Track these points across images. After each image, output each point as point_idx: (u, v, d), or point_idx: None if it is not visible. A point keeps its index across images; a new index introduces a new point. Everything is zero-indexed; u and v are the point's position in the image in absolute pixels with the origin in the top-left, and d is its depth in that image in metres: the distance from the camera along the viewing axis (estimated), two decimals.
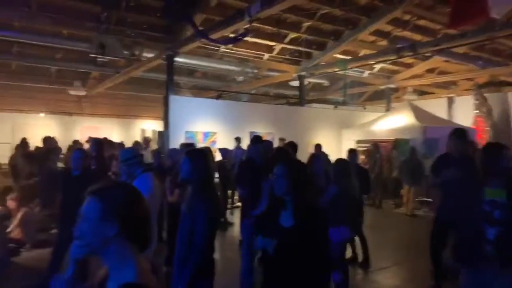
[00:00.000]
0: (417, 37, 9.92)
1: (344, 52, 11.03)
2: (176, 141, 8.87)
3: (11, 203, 5.70)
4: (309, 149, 9.02)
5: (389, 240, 6.74)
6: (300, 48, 10.78)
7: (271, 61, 11.63)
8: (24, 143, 8.18)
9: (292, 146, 4.88)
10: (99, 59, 10.01)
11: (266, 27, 9.49)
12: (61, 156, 8.11)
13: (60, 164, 7.37)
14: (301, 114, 11.88)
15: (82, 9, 8.50)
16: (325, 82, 14.57)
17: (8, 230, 5.49)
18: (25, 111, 14.76)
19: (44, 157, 7.22)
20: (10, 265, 4.96)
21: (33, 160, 7.26)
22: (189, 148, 4.49)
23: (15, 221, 5.59)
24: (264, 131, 10.38)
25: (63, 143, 9.94)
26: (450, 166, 3.86)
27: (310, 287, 2.07)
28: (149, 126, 17.54)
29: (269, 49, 11.00)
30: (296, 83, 12.64)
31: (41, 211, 6.03)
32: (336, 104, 13.00)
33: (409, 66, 12.54)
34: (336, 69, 11.41)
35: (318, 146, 7.76)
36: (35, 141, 9.20)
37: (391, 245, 6.42)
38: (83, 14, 8.59)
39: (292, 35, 10.11)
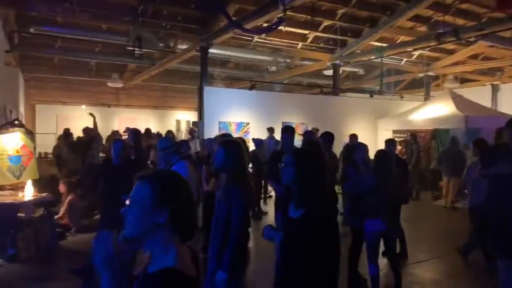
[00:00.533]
0: (460, 21, 9.41)
1: (380, 39, 10.67)
2: (210, 132, 8.99)
3: (62, 187, 6.02)
4: (344, 139, 8.86)
5: (428, 233, 6.54)
6: (335, 36, 10.54)
7: (304, 50, 11.47)
8: (67, 133, 8.58)
9: (328, 136, 4.80)
10: (135, 52, 10.28)
11: (300, 15, 9.34)
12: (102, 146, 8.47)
13: (101, 154, 7.69)
14: (335, 103, 11.66)
15: (120, 3, 8.73)
16: (360, 71, 14.20)
17: (57, 216, 5.80)
18: (67, 103, 15.46)
19: (86, 147, 7.57)
20: (58, 248, 5.27)
21: (76, 150, 7.63)
22: (224, 138, 4.55)
23: (62, 207, 5.91)
24: (297, 121, 10.29)
25: (103, 134, 10.34)
26: (507, 158, 3.59)
27: (316, 280, 2.02)
28: (184, 117, 17.89)
29: (303, 37, 10.83)
30: (330, 72, 12.40)
31: (81, 199, 6.33)
32: (371, 93, 12.64)
33: (450, 52, 11.95)
34: (372, 57, 11.07)
35: (353, 136, 7.60)
36: (77, 132, 9.65)
37: (429, 238, 6.23)
38: (120, 8, 8.82)
39: (326, 22, 9.90)
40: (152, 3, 8.60)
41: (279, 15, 7.29)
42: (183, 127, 17.58)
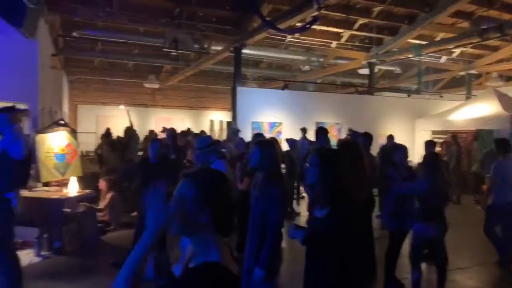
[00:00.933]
0: (506, 16, 8.93)
1: (418, 37, 10.32)
2: (243, 132, 9.06)
3: (102, 184, 6.28)
4: (380, 140, 8.65)
5: (469, 238, 6.25)
6: (370, 34, 10.31)
7: (338, 49, 11.30)
8: (108, 133, 8.94)
9: (366, 137, 4.71)
10: (171, 53, 10.54)
11: (334, 13, 9.21)
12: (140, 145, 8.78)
13: (139, 153, 7.95)
14: (371, 103, 11.41)
15: (157, 6, 8.99)
16: (396, 69, 13.81)
17: (99, 215, 6.05)
18: (106, 103, 16.11)
19: (125, 146, 7.87)
20: (99, 242, 5.50)
21: (116, 149, 7.94)
22: (259, 138, 4.57)
23: (102, 204, 6.17)
24: (331, 122, 10.17)
25: (140, 133, 10.70)
26: None
27: (340, 281, 1.99)
28: (217, 117, 18.14)
29: (337, 36, 10.67)
30: (365, 71, 12.14)
31: (120, 197, 6.57)
32: (409, 92, 12.25)
33: (494, 49, 11.36)
34: (410, 55, 10.73)
35: (390, 137, 7.41)
36: (116, 131, 10.04)
37: (471, 244, 5.95)
38: (157, 11, 9.08)
39: (362, 20, 9.70)
40: (187, 5, 8.79)
41: (313, 14, 7.23)
42: (216, 127, 17.83)
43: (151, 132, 11.27)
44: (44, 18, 7.26)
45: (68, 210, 5.10)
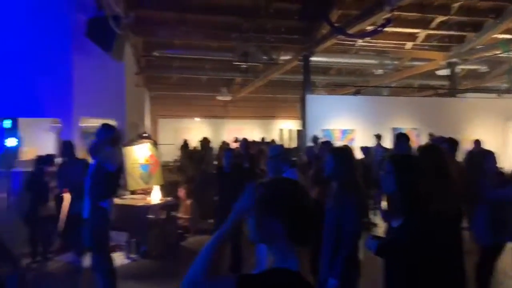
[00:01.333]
0: None
1: (506, 31, 9.35)
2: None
3: (181, 192, 6.69)
4: (465, 145, 7.95)
5: None
6: (450, 32, 9.60)
7: (414, 50, 10.69)
8: (185, 144, 9.50)
9: (451, 143, 4.34)
10: (242, 66, 10.90)
11: (408, 13, 8.76)
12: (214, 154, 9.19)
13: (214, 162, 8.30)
14: (453, 106, 10.56)
15: (227, 22, 9.38)
16: (482, 68, 12.62)
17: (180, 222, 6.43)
18: (183, 116, 17.12)
19: (201, 157, 8.29)
20: (179, 248, 5.84)
21: (192, 158, 8.40)
22: (327, 145, 4.51)
23: (182, 211, 6.55)
24: (409, 127, 9.60)
25: (214, 144, 11.19)
26: None
27: None
28: (287, 126, 18.23)
29: (412, 37, 10.12)
30: (445, 72, 11.31)
31: (198, 203, 6.90)
32: (498, 92, 11.11)
33: None
34: (497, 52, 9.76)
35: (477, 142, 6.78)
36: (193, 142, 10.62)
37: None
38: (228, 27, 9.48)
39: (440, 18, 9.07)
40: (256, 19, 9.04)
41: (385, 16, 6.97)
42: (286, 136, 17.91)
43: (224, 142, 11.70)
44: (129, 41, 8.01)
45: (152, 216, 5.51)
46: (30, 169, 5.23)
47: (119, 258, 5.13)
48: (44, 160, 5.17)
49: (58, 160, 5.37)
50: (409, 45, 10.39)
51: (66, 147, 5.09)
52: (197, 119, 16.77)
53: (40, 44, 6.15)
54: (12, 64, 6.00)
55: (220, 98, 15.38)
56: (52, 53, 6.20)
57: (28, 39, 6.10)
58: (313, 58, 10.07)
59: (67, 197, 4.86)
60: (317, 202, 3.76)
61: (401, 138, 4.25)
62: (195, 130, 15.94)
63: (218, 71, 12.85)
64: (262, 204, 1.27)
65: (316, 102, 9.90)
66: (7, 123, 5.76)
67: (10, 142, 5.64)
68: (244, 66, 10.84)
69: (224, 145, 10.46)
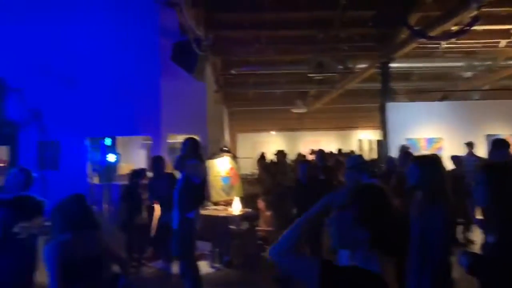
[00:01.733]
0: None
1: None
2: (396, 150, 8.53)
3: (260, 204, 6.85)
4: None
5: None
6: None
7: (509, 48, 9.64)
8: (262, 157, 9.72)
9: None
10: (316, 78, 10.86)
11: (500, 9, 7.96)
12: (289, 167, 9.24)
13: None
14: None
15: (300, 35, 9.47)
16: None
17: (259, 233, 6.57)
18: (260, 130, 17.54)
19: (277, 169, 8.40)
20: (260, 258, 5.93)
21: (269, 171, 8.55)
22: (408, 154, 4.27)
23: (262, 222, 6.68)
24: (507, 133, 8.62)
25: (290, 156, 11.24)
26: None
27: None
28: (366, 136, 17.61)
29: (505, 34, 9.14)
30: None
31: (277, 215, 6.97)
32: None
33: None
34: None
35: None
36: (269, 155, 10.81)
37: None
38: (301, 40, 9.56)
39: None
40: (329, 29, 8.99)
41: (472, 15, 6.42)
42: (366, 147, 17.27)
43: (300, 154, 11.69)
44: (209, 61, 8.54)
45: (234, 227, 5.71)
46: (126, 182, 5.82)
47: (204, 267, 5.39)
48: (137, 174, 5.72)
49: (149, 174, 5.90)
50: (502, 43, 9.41)
51: (156, 162, 5.57)
52: (273, 132, 17.05)
53: (132, 70, 6.88)
54: (110, 89, 6.79)
55: (295, 111, 15.45)
56: (143, 78, 6.90)
57: (122, 66, 6.87)
58: (392, 64, 9.65)
59: (157, 208, 5.29)
60: (401, 213, 3.58)
61: (499, 145, 3.83)
62: (272, 143, 16.20)
63: (292, 84, 12.96)
64: (348, 211, 1.28)
65: (398, 110, 9.43)
66: (108, 141, 6.54)
67: (110, 158, 6.39)
68: (319, 77, 10.78)
69: (300, 157, 10.45)
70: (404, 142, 9.01)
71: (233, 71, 11.10)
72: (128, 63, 6.89)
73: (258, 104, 15.99)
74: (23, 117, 6.48)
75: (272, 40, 9.52)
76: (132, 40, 6.95)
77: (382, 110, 9.43)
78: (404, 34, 8.32)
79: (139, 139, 7.80)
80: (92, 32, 6.86)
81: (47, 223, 2.90)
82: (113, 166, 6.42)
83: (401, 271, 2.93)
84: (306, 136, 17.79)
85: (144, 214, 5.58)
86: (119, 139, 6.93)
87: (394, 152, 7.80)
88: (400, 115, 9.25)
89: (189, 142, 4.17)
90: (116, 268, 2.55)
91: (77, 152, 6.64)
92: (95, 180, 6.81)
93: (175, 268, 4.90)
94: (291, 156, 11.29)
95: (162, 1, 5.72)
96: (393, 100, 10.22)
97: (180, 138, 6.60)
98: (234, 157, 6.89)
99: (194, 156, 4.06)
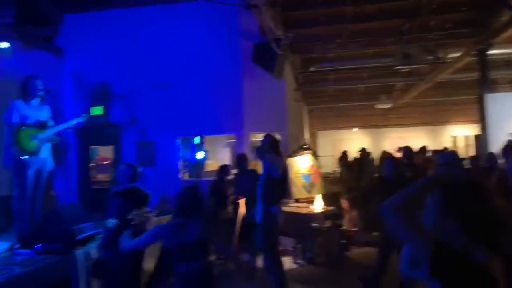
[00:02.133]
0: None
1: None
2: (497, 145, 7.67)
3: (344, 203, 6.73)
4: None
5: None
6: None
7: None
8: (344, 155, 9.50)
9: None
10: (402, 70, 10.25)
11: None
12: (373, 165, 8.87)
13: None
14: None
15: (384, 27, 9.02)
16: None
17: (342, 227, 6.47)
18: (341, 127, 17.12)
19: (360, 168, 8.14)
20: (343, 258, 5.84)
21: (353, 170, 8.32)
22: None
23: (346, 221, 6.56)
24: None
25: (374, 154, 10.77)
26: None
27: None
28: (460, 131, 16.10)
29: None
30: None
31: (362, 215, 6.76)
32: None
33: None
34: None
35: None
36: (351, 153, 10.49)
37: None
38: (386, 32, 9.10)
39: None
40: (417, 18, 8.41)
41: None
42: (461, 143, 15.79)
43: (384, 152, 11.14)
44: (288, 60, 8.61)
45: (316, 225, 5.70)
46: (213, 178, 6.18)
47: (287, 262, 5.48)
48: (223, 170, 6.04)
49: (233, 170, 6.18)
50: None
51: (240, 159, 5.82)
52: (355, 129, 16.52)
53: (217, 73, 7.28)
54: (198, 92, 7.28)
55: (379, 106, 14.75)
56: (226, 80, 7.26)
57: (207, 70, 7.31)
58: (490, 51, 8.68)
59: (242, 203, 5.52)
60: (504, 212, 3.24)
61: None
62: (354, 141, 15.71)
63: (376, 78, 12.40)
64: (440, 204, 1.27)
65: (499, 101, 8.45)
66: (197, 140, 7.06)
67: (199, 155, 6.88)
68: (406, 70, 10.16)
69: (385, 155, 9.97)
70: (507, 137, 8.06)
71: (312, 68, 11.03)
72: (212, 66, 7.31)
73: (338, 100, 15.61)
74: (125, 120, 7.30)
75: (354, 35, 9.22)
76: (216, 45, 7.35)
77: (481, 102, 8.54)
78: (505, 16, 7.43)
79: (223, 138, 8.21)
80: (180, 41, 7.42)
81: (151, 213, 3.27)
82: (201, 163, 6.89)
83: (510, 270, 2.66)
84: (391, 132, 16.86)
85: (230, 208, 5.86)
86: (207, 138, 7.40)
87: (494, 148, 7.02)
88: (501, 107, 8.29)
89: (268, 139, 4.32)
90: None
91: (170, 150, 7.27)
92: (185, 176, 7.36)
93: (260, 261, 5.07)
94: (374, 154, 10.81)
95: (241, 4, 5.93)
96: (493, 90, 9.19)
97: (261, 137, 6.80)
98: (315, 155, 6.85)
99: (270, 148, 4.20)
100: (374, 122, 16.85)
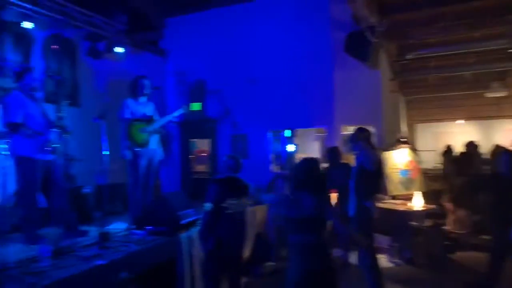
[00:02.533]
0: None
1: None
2: None
3: (448, 205, 6.18)
4: None
5: None
6: None
7: None
8: (448, 149, 8.71)
9: None
10: None
11: None
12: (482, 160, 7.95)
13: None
14: None
15: (497, 4, 7.95)
16: None
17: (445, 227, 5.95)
18: (443, 120, 15.65)
19: (467, 162, 7.34)
20: (446, 260, 5.36)
21: (458, 165, 7.54)
22: None
23: (450, 221, 6.00)
24: None
25: (484, 148, 9.62)
26: None
27: None
28: None
29: None
30: None
31: (469, 215, 6.10)
32: None
33: None
34: None
35: None
36: (456, 147, 9.52)
37: None
38: (498, 10, 8.02)
39: None
40: None
41: None
42: None
43: (497, 146, 9.88)
44: (383, 48, 8.13)
45: (415, 223, 5.32)
46: None
47: (382, 261, 5.23)
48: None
49: (324, 164, 6.08)
50: None
51: (332, 153, 5.71)
52: (459, 121, 14.91)
53: (307, 65, 7.25)
54: (288, 85, 7.33)
55: (489, 95, 13.10)
56: (317, 72, 7.19)
57: (298, 63, 7.31)
58: None
59: (334, 196, 5.41)
60: None
61: None
62: (458, 134, 14.19)
63: (485, 63, 11.02)
64: None
65: None
66: (287, 133, 7.15)
67: (290, 148, 6.96)
68: None
69: (498, 149, 8.84)
70: None
71: (409, 56, 10.24)
72: (303, 59, 7.28)
73: (440, 90, 14.23)
74: (220, 114, 7.73)
75: (459, 16, 8.31)
76: (306, 36, 7.31)
77: None
78: None
79: (313, 131, 8.15)
80: (271, 35, 7.54)
81: (247, 203, 3.41)
82: (292, 156, 6.96)
83: None
84: (505, 124, 14.82)
85: None
86: (297, 131, 7.45)
87: None
88: None
89: (361, 131, 4.18)
90: None
91: (262, 143, 7.47)
92: (276, 169, 7.49)
93: (353, 257, 4.93)
94: (484, 149, 9.65)
95: None
96: None
97: (353, 130, 6.59)
98: (414, 149, 6.38)
99: (362, 140, 4.05)
100: (483, 112, 15.01)
